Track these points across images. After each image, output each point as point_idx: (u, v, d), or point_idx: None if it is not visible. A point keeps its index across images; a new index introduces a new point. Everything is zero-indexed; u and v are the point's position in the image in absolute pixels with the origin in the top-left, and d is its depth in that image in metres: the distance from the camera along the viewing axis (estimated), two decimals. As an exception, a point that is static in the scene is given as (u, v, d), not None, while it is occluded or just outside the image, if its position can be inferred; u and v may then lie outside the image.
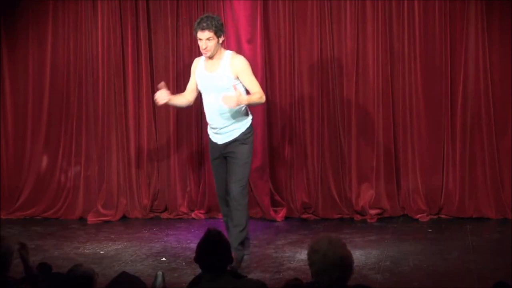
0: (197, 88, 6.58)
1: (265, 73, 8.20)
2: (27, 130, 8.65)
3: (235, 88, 6.26)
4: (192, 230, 7.85)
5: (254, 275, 6.14)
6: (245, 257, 6.71)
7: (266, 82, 8.19)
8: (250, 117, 6.52)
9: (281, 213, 8.19)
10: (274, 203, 8.27)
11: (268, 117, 8.23)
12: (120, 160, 8.44)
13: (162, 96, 6.52)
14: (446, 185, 8.02)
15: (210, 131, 6.58)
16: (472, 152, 7.96)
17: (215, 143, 6.52)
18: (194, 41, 8.20)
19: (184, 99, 6.70)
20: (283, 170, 8.26)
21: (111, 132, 8.44)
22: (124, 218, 8.44)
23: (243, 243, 6.47)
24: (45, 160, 8.63)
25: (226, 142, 6.44)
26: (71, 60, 8.52)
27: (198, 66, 6.55)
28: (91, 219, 8.37)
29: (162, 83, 6.61)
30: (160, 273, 5.35)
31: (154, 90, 8.33)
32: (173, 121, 8.35)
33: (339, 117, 8.15)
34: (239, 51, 8.14)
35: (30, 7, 8.57)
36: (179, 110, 8.25)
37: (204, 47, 6.35)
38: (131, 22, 8.37)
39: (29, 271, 4.58)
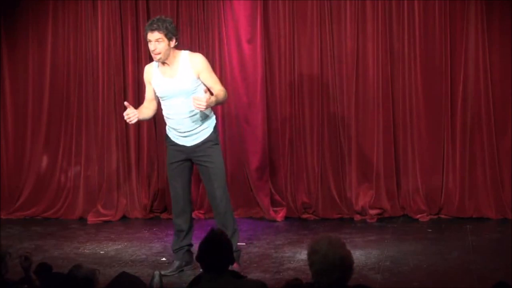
0: (155, 96, 6.31)
1: (265, 73, 8.20)
2: (27, 130, 8.66)
3: (205, 91, 6.05)
4: (192, 230, 7.85)
5: (254, 275, 6.14)
6: (245, 257, 6.72)
7: (266, 82, 8.20)
8: (214, 116, 6.36)
9: (281, 213, 8.19)
10: (274, 203, 8.27)
11: (268, 117, 8.23)
12: (120, 160, 8.44)
13: (133, 113, 6.14)
14: (446, 185, 8.03)
15: (174, 135, 6.31)
16: (472, 152, 7.96)
17: (183, 146, 6.27)
18: (194, 40, 8.22)
19: (149, 110, 6.37)
20: (283, 170, 8.26)
21: (111, 132, 8.44)
22: (124, 218, 8.45)
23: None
24: (45, 160, 8.64)
25: (197, 143, 6.24)
26: (71, 60, 8.52)
27: (153, 73, 6.28)
28: (91, 219, 8.37)
29: (126, 103, 6.23)
30: (157, 272, 5.34)
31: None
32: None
33: (339, 117, 8.15)
34: (239, 51, 8.17)
35: (30, 7, 8.57)
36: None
37: (153, 48, 6.10)
38: (131, 22, 8.37)
39: (30, 280, 4.59)
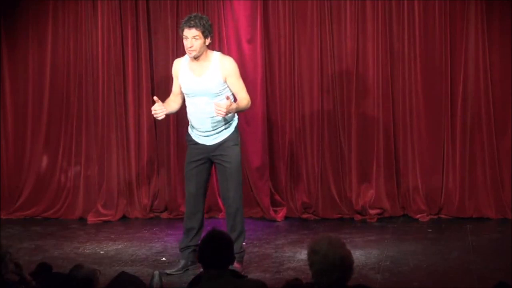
0: (181, 91, 6.34)
1: (265, 73, 8.20)
2: (27, 130, 8.65)
3: (227, 98, 6.07)
4: (192, 230, 7.85)
5: (254, 275, 6.14)
6: (245, 257, 6.71)
7: (266, 82, 8.20)
8: (236, 117, 6.39)
9: (281, 213, 8.19)
10: (274, 203, 8.27)
11: (268, 117, 8.23)
12: (120, 160, 8.44)
13: (160, 109, 6.23)
14: (446, 185, 8.03)
15: (194, 134, 6.34)
16: (472, 152, 7.96)
17: (203, 145, 6.30)
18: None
19: (175, 104, 6.42)
20: (283, 170, 8.26)
21: (111, 132, 8.44)
22: (124, 218, 8.44)
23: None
24: (45, 160, 8.63)
25: (218, 143, 6.27)
26: (71, 60, 8.51)
27: (181, 68, 6.30)
28: (91, 219, 8.36)
29: (155, 97, 6.31)
30: (156, 272, 5.35)
31: (154, 90, 8.37)
32: (173, 121, 8.34)
33: (339, 117, 8.15)
34: (239, 51, 8.17)
35: (30, 7, 8.56)
36: (179, 110, 8.26)
37: (189, 45, 6.12)
38: (131, 22, 8.36)
39: (25, 282, 4.59)
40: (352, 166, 8.11)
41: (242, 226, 6.42)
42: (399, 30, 8.02)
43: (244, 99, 6.20)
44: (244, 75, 8.13)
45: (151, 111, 8.30)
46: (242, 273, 6.20)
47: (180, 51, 8.34)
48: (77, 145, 8.54)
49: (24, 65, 8.63)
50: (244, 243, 6.55)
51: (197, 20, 6.16)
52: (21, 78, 8.65)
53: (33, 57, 8.60)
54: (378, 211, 8.09)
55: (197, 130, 6.30)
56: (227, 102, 6.02)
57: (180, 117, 8.36)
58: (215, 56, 6.25)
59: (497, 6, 7.84)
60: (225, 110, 5.97)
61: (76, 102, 8.51)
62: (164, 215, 8.44)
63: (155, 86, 8.43)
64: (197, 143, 6.33)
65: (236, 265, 6.26)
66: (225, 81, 6.19)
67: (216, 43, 8.22)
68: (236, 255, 6.27)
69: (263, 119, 8.18)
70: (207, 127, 6.24)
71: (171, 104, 6.42)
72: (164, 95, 8.35)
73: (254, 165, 8.21)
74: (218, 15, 8.21)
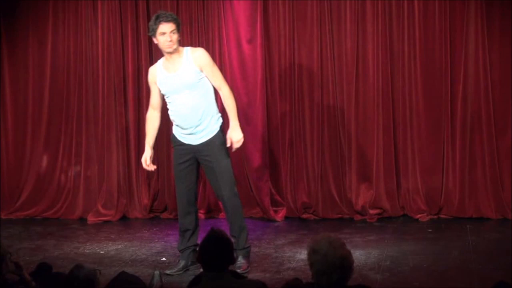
0: (161, 98, 6.42)
1: (265, 73, 8.19)
2: (27, 130, 8.65)
3: (228, 138, 6.32)
4: (192, 230, 7.85)
5: (254, 275, 6.14)
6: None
7: (266, 82, 8.20)
8: (220, 116, 6.43)
9: (281, 213, 8.19)
10: (274, 203, 8.27)
11: (268, 117, 8.23)
12: (120, 160, 8.44)
13: (150, 165, 6.54)
14: (446, 185, 8.02)
15: (179, 134, 6.39)
16: (472, 152, 7.96)
17: (188, 145, 6.34)
18: (194, 40, 8.22)
19: (156, 122, 6.52)
20: (283, 170, 8.26)
21: (111, 132, 8.44)
22: (124, 218, 8.44)
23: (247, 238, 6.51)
24: (45, 160, 8.63)
25: (203, 143, 6.31)
26: (71, 60, 8.51)
27: (157, 72, 6.37)
28: (91, 219, 8.37)
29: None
30: (157, 272, 5.35)
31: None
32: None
33: (339, 117, 8.15)
34: (239, 51, 8.17)
35: (30, 7, 8.56)
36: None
37: (169, 39, 6.20)
38: (131, 22, 8.37)
39: (25, 282, 4.59)
40: (352, 166, 8.11)
41: (242, 222, 6.45)
42: (399, 30, 8.02)
43: (227, 95, 6.34)
44: (244, 75, 8.19)
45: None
46: (248, 269, 6.24)
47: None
48: (77, 145, 8.54)
49: (24, 65, 8.63)
50: (248, 239, 6.57)
51: (171, 15, 6.31)
52: (21, 78, 8.66)
53: (33, 57, 8.60)
54: (378, 211, 8.09)
55: (182, 129, 6.34)
56: (229, 138, 6.32)
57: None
58: (186, 50, 6.34)
59: (497, 6, 7.83)
60: (239, 140, 6.34)
61: (76, 102, 8.51)
62: (164, 215, 8.45)
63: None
64: (182, 144, 6.38)
65: (242, 261, 6.30)
66: (201, 71, 6.27)
67: (216, 43, 8.23)
68: (242, 251, 6.32)
69: (263, 119, 8.18)
70: (190, 122, 6.27)
71: (154, 125, 6.54)
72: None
73: (254, 165, 8.21)
74: (218, 15, 8.21)
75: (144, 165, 6.57)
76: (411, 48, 7.98)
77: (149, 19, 8.33)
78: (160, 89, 6.37)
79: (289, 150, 8.23)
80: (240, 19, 8.17)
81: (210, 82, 6.32)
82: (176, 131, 6.42)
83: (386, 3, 7.99)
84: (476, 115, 7.93)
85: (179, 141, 6.40)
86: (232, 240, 6.22)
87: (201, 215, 8.29)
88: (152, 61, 8.42)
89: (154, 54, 8.41)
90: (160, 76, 6.35)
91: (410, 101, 8.02)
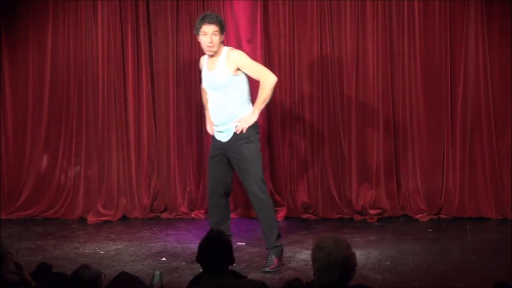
0: None
1: (265, 73, 8.19)
2: (27, 130, 8.65)
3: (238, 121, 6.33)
4: (192, 230, 7.86)
5: (254, 275, 6.13)
6: (245, 257, 6.72)
7: (266, 82, 8.19)
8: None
9: (281, 213, 8.19)
10: (274, 203, 8.21)
11: (268, 117, 8.23)
12: (120, 160, 8.44)
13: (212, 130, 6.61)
14: (446, 185, 8.03)
15: (214, 129, 6.56)
16: (472, 152, 7.96)
17: (219, 141, 6.48)
18: (194, 40, 8.20)
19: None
20: (283, 170, 8.26)
21: (111, 132, 8.44)
22: (124, 218, 8.44)
23: (279, 237, 6.50)
24: (45, 160, 8.63)
25: (230, 140, 6.40)
26: (71, 60, 8.51)
27: (203, 64, 6.56)
28: (91, 219, 8.37)
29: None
30: (157, 272, 5.35)
31: (154, 90, 8.39)
32: (173, 121, 8.35)
33: (339, 117, 8.15)
34: (239, 51, 8.17)
35: (30, 7, 8.56)
36: (179, 110, 8.29)
37: (209, 41, 6.31)
38: (131, 22, 8.36)
39: (25, 282, 4.59)
40: (352, 166, 8.11)
41: (272, 221, 6.45)
42: (399, 30, 8.02)
43: (262, 86, 6.36)
44: (244, 75, 8.17)
45: (151, 111, 8.42)
46: (278, 268, 6.24)
47: (180, 51, 8.36)
48: (77, 145, 8.54)
49: (24, 65, 8.63)
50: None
51: (214, 17, 6.40)
52: (21, 78, 8.65)
53: (33, 57, 8.60)
54: (378, 211, 8.09)
55: (214, 125, 6.52)
56: (241, 121, 6.34)
57: (180, 117, 8.37)
58: (224, 50, 6.42)
59: (497, 6, 7.83)
60: (244, 125, 6.31)
61: (76, 102, 8.51)
62: (164, 215, 8.44)
63: (155, 86, 8.43)
64: (215, 139, 6.55)
65: (273, 260, 6.32)
66: (236, 72, 6.33)
67: (216, 43, 8.22)
68: (273, 250, 6.34)
69: (263, 119, 8.17)
70: (220, 119, 6.42)
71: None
72: (164, 95, 8.41)
73: (254, 165, 8.20)
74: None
75: (209, 130, 6.65)
76: (411, 48, 7.98)
77: (149, 19, 8.41)
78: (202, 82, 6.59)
79: (289, 150, 8.23)
80: (240, 19, 8.18)
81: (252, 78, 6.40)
82: (214, 126, 6.56)
83: (386, 3, 7.99)
84: (476, 115, 7.93)
85: (213, 136, 6.56)
86: (263, 238, 6.31)
87: (201, 215, 8.29)
88: (152, 61, 8.44)
89: (154, 54, 8.43)
90: (203, 70, 6.53)
91: (410, 101, 8.02)
